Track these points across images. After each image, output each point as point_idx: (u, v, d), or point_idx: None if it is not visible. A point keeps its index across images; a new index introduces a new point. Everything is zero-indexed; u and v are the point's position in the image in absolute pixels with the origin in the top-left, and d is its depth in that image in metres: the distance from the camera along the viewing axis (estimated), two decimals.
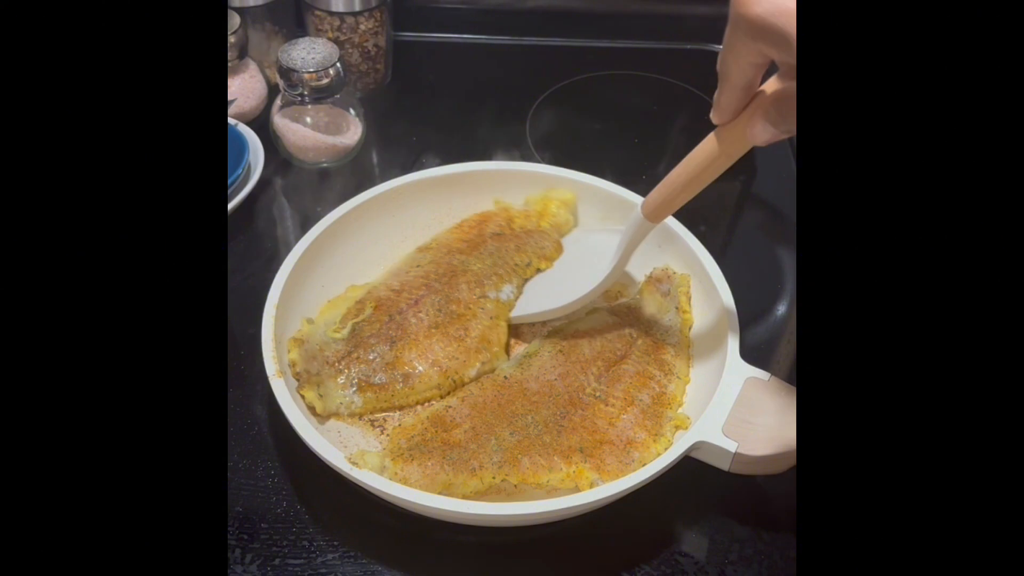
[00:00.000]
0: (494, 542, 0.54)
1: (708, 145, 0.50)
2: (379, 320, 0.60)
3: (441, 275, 0.63)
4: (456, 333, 0.60)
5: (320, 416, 0.57)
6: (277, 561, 0.53)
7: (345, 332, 0.59)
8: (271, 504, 0.56)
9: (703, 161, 0.50)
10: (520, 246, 0.66)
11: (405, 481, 0.51)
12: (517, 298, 0.65)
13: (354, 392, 0.57)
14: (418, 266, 0.64)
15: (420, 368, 0.58)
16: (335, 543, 0.54)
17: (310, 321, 0.61)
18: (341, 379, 0.57)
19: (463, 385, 0.59)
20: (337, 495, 0.56)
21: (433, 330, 0.60)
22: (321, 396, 0.57)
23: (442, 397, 0.59)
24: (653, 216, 0.55)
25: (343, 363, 0.58)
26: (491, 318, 0.62)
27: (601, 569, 0.54)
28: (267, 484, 0.57)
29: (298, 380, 0.57)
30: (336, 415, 0.58)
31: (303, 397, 0.56)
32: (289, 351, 0.58)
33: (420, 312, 0.61)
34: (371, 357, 0.58)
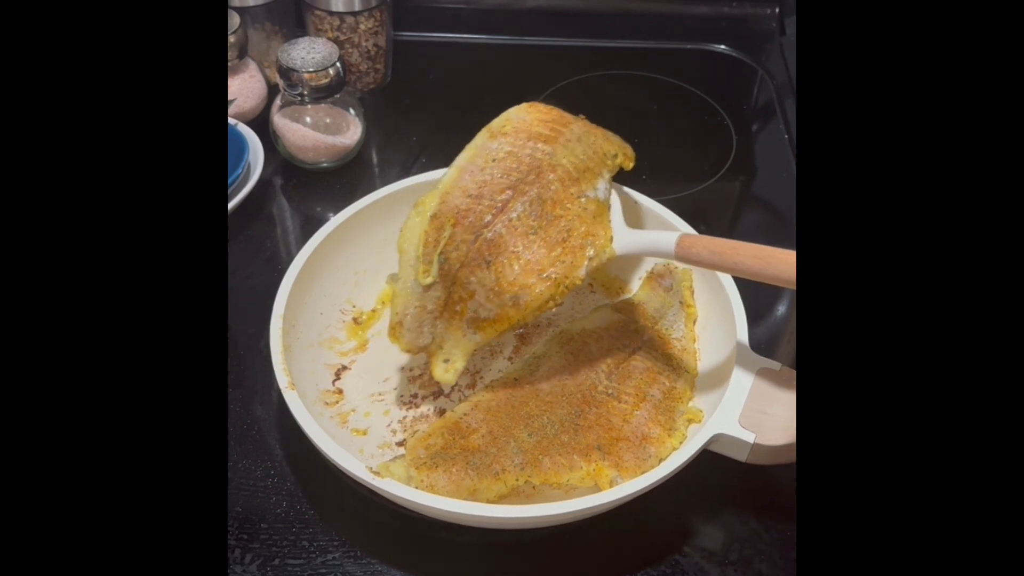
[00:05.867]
0: (495, 541, 0.54)
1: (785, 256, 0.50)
2: (464, 240, 0.53)
3: (525, 172, 0.55)
4: (558, 236, 0.53)
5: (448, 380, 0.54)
6: (277, 561, 0.53)
7: (434, 271, 0.53)
8: (271, 504, 0.56)
9: (772, 267, 0.50)
10: (607, 136, 0.59)
11: (432, 489, 0.50)
12: (609, 196, 0.57)
13: (472, 332, 0.53)
14: (494, 160, 0.55)
15: (528, 284, 0.52)
16: (335, 543, 0.54)
17: (395, 277, 0.55)
18: (455, 328, 0.53)
19: (573, 288, 0.54)
20: (337, 495, 0.56)
21: (531, 236, 0.53)
22: (446, 361, 0.54)
23: (556, 304, 0.53)
24: (681, 258, 0.54)
25: (448, 312, 0.53)
26: (593, 217, 0.55)
27: (600, 569, 0.54)
28: (267, 484, 0.57)
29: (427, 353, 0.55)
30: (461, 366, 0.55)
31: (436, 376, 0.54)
32: (396, 340, 0.55)
33: (511, 217, 0.53)
34: (472, 290, 0.52)
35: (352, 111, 0.78)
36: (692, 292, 0.63)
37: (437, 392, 0.61)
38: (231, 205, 0.71)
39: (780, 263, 0.50)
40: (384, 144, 0.83)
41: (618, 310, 0.63)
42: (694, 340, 0.62)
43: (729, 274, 0.56)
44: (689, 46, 0.96)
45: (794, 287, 0.54)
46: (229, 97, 0.78)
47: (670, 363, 0.59)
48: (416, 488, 0.50)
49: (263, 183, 0.76)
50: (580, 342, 0.60)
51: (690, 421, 0.56)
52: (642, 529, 0.55)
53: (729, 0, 0.98)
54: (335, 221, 0.64)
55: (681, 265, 0.64)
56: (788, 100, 0.89)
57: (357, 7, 0.81)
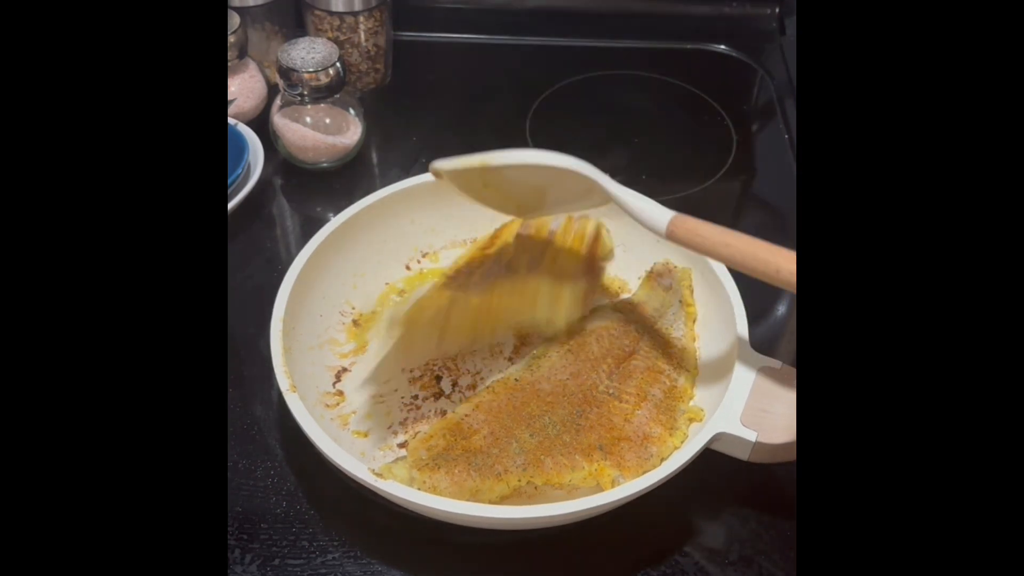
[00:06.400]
0: (495, 542, 0.54)
1: (768, 250, 0.48)
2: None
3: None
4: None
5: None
6: (277, 561, 0.53)
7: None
8: (271, 504, 0.56)
9: (759, 259, 0.48)
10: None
11: (434, 490, 0.51)
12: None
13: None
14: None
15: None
16: (335, 543, 0.54)
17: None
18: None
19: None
20: (337, 495, 0.55)
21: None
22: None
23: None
24: (671, 238, 0.53)
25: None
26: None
27: (600, 569, 0.54)
28: (267, 484, 0.57)
29: None
30: None
31: None
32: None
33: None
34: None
35: (352, 111, 0.78)
36: (692, 291, 0.63)
37: (438, 393, 0.61)
38: (231, 205, 0.71)
39: (773, 263, 0.48)
40: (384, 144, 0.83)
41: (618, 310, 0.63)
42: (694, 339, 0.62)
43: (721, 263, 0.55)
44: (689, 46, 0.96)
45: (789, 288, 0.51)
46: (229, 97, 0.78)
47: (671, 362, 0.60)
48: (418, 489, 0.50)
49: (263, 183, 0.76)
50: (580, 342, 0.60)
51: (691, 420, 0.56)
52: (642, 529, 0.55)
53: (729, 0, 0.98)
54: (335, 222, 0.64)
55: (680, 264, 0.64)
56: (788, 100, 0.89)
57: (357, 7, 0.80)
